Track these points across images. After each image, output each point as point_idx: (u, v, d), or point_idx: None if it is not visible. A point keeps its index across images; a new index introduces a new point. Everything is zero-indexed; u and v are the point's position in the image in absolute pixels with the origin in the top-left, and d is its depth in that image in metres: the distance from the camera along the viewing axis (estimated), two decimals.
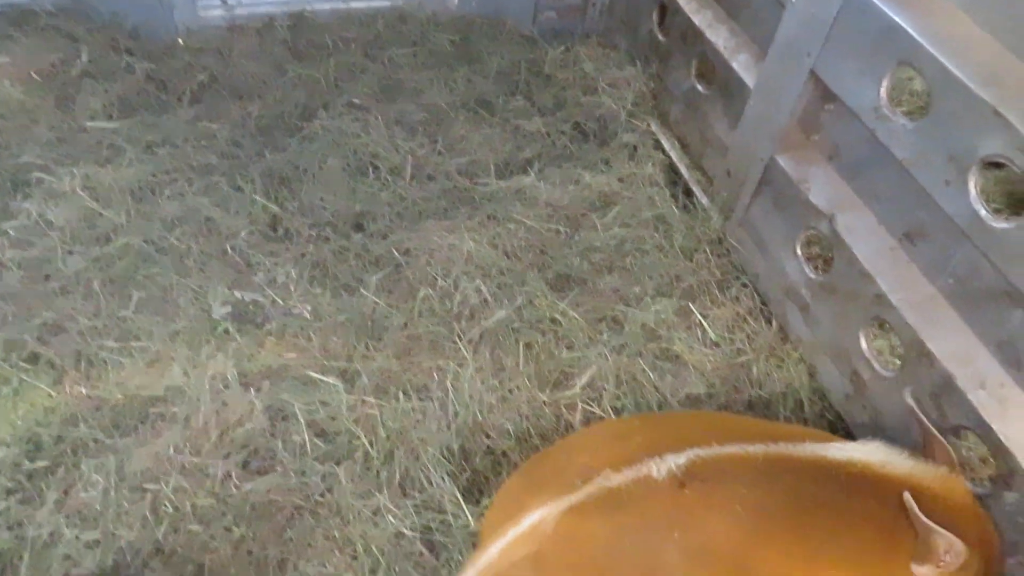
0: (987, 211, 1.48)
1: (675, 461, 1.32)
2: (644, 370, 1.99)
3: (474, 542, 1.66)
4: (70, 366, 1.93)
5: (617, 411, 1.93)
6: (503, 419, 1.87)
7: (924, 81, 1.57)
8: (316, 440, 1.82)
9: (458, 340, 2.03)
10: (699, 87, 2.49)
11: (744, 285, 2.25)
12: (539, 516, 1.28)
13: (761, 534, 1.33)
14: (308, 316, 2.10)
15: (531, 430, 1.87)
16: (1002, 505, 1.48)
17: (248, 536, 1.67)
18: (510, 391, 1.94)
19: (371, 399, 1.89)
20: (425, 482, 1.76)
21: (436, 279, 2.16)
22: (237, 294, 2.13)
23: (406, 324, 2.08)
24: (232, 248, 2.23)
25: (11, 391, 1.86)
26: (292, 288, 2.16)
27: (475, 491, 1.78)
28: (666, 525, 1.30)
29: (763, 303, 2.21)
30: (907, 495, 1.30)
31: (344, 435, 1.83)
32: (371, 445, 1.81)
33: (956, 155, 1.52)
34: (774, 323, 2.16)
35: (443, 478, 1.76)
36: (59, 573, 1.60)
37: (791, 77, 1.95)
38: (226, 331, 2.04)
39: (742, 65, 2.25)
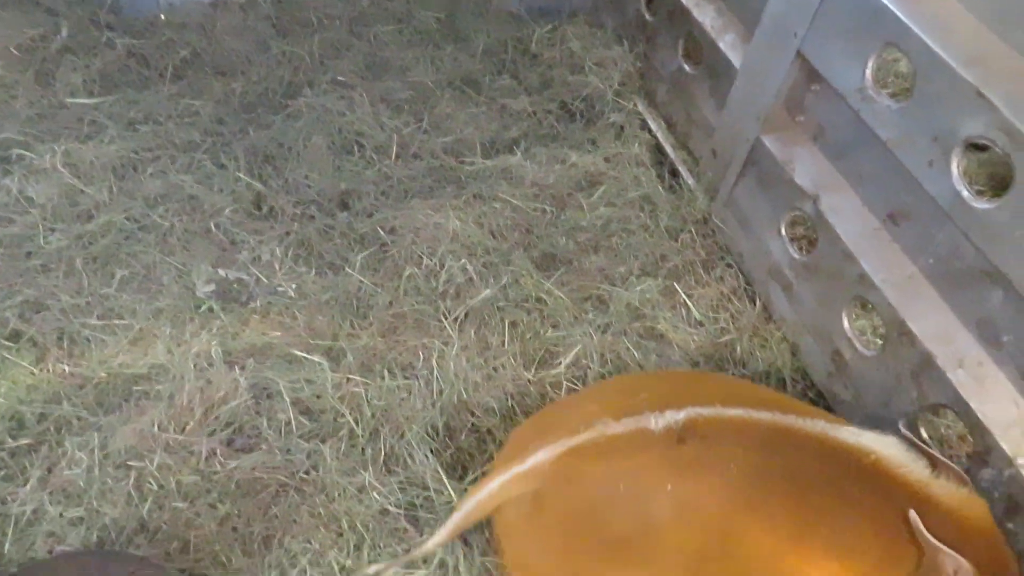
0: (969, 192, 1.50)
1: (674, 417, 1.34)
2: (629, 349, 2.00)
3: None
4: (52, 344, 1.92)
5: None
6: (488, 397, 1.88)
7: (909, 62, 1.58)
8: (301, 418, 1.82)
9: (443, 319, 2.04)
10: (686, 67, 2.49)
11: (728, 265, 2.26)
12: (541, 456, 1.34)
13: (750, 501, 1.32)
14: (293, 294, 2.09)
15: (516, 408, 1.88)
16: (978, 482, 1.50)
17: (233, 513, 1.67)
18: (495, 369, 1.94)
19: (356, 377, 1.89)
20: (409, 459, 1.76)
21: (422, 258, 2.16)
22: (221, 272, 2.12)
23: (391, 303, 2.08)
24: (216, 226, 2.21)
25: None
26: (277, 266, 2.15)
27: (459, 468, 1.79)
28: (659, 476, 1.32)
29: (747, 283, 2.22)
30: (912, 514, 1.26)
31: (329, 413, 1.83)
32: (356, 423, 1.81)
33: (940, 136, 1.53)
34: (758, 303, 2.17)
35: (427, 455, 1.76)
36: (43, 550, 1.60)
37: (778, 57, 1.95)
38: (210, 309, 2.03)
39: (729, 45, 2.24)
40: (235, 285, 2.10)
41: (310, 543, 1.64)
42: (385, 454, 1.77)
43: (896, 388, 1.70)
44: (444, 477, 1.73)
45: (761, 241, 2.13)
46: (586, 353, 1.98)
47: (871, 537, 1.31)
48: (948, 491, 1.33)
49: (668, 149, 2.57)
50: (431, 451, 1.78)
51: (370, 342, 1.98)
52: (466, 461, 1.81)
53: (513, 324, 2.04)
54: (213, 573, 1.59)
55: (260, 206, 2.31)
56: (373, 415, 1.82)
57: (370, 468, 1.74)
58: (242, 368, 1.89)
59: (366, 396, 1.85)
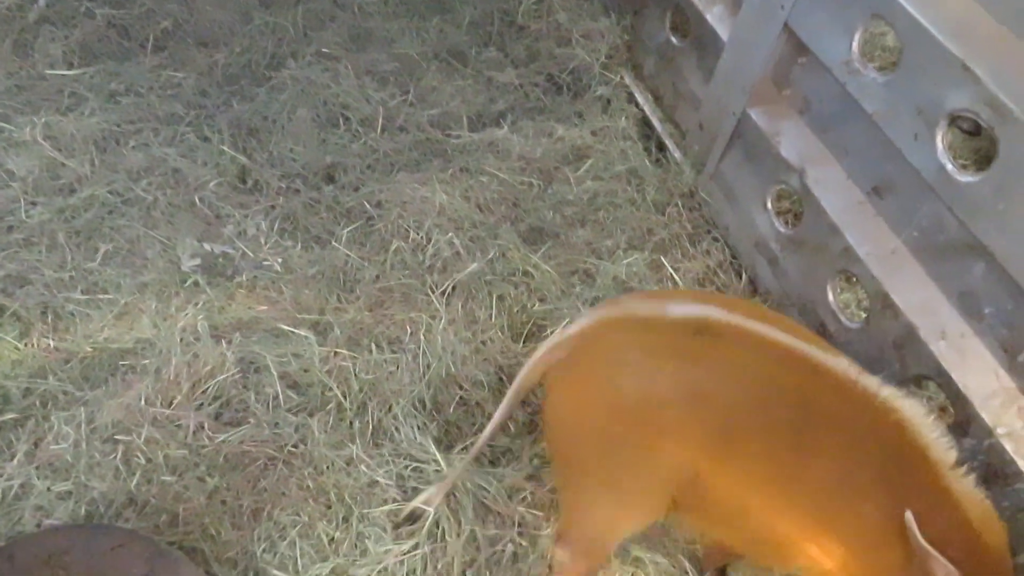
0: (953, 165, 1.51)
1: (693, 310, 1.38)
2: None
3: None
4: (36, 318, 1.90)
5: None
6: (476, 370, 1.89)
7: (896, 35, 1.58)
8: (289, 392, 1.82)
9: (430, 292, 2.04)
10: (673, 40, 2.48)
11: (715, 239, 2.27)
12: (579, 324, 1.47)
13: (753, 406, 1.31)
14: (279, 269, 2.08)
15: (505, 381, 1.89)
16: (959, 451, 1.52)
17: (222, 486, 1.68)
18: (483, 343, 1.95)
19: (344, 351, 1.89)
20: (397, 432, 1.77)
21: (408, 232, 2.16)
22: (206, 246, 2.11)
23: (378, 277, 2.07)
24: (200, 200, 2.20)
25: None
26: (262, 240, 2.14)
27: (447, 440, 1.80)
28: (666, 356, 1.37)
29: (733, 256, 2.23)
30: (909, 515, 1.17)
31: (317, 387, 1.83)
32: (344, 397, 1.82)
33: (925, 109, 1.53)
34: (744, 276, 2.18)
35: (415, 428, 1.77)
36: (31, 523, 1.60)
37: (765, 30, 1.94)
38: (196, 283, 2.02)
39: (716, 17, 2.23)
40: (220, 259, 2.09)
41: (299, 515, 1.65)
42: (373, 427, 1.78)
43: (879, 360, 1.72)
44: (432, 449, 1.74)
45: (747, 215, 2.14)
46: None
47: (871, 504, 1.26)
48: (967, 490, 1.21)
49: (655, 122, 2.57)
50: (420, 424, 1.79)
51: (357, 316, 1.97)
52: (454, 433, 1.82)
53: (500, 298, 2.04)
54: (202, 546, 1.60)
55: (245, 179, 2.30)
56: (361, 389, 1.83)
57: (358, 441, 1.75)
58: (229, 342, 1.88)
59: (354, 370, 1.85)
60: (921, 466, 1.22)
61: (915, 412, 1.25)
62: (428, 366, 1.88)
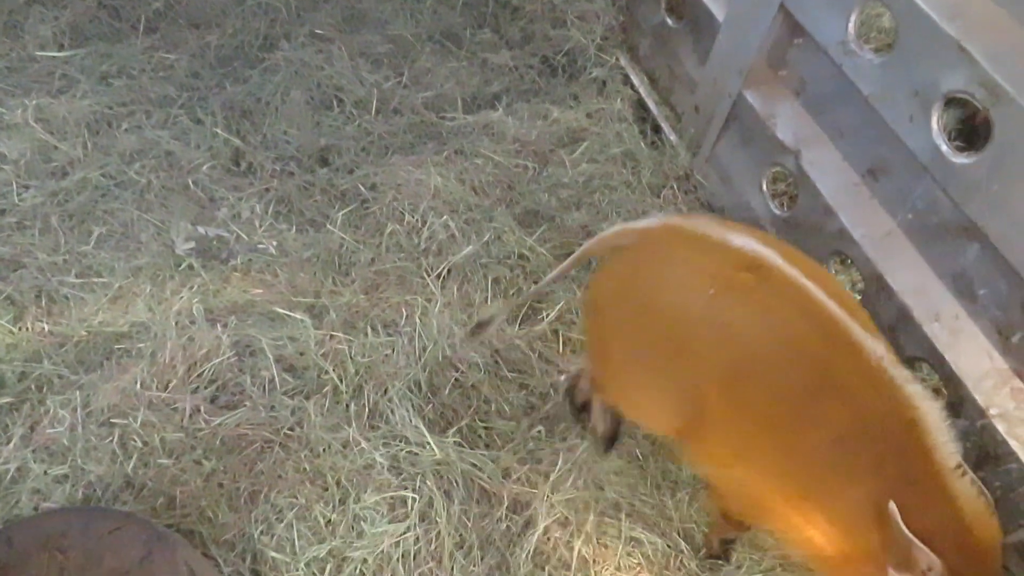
0: (948, 147, 1.51)
1: (752, 246, 1.38)
2: None
3: (439, 471, 1.70)
4: (31, 302, 1.90)
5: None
6: (472, 352, 1.89)
7: (892, 16, 1.57)
8: (285, 375, 1.82)
9: (426, 275, 2.04)
10: (669, 21, 2.46)
11: None
12: (647, 222, 1.55)
13: (768, 362, 1.32)
14: (274, 252, 2.08)
15: (501, 364, 1.89)
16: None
17: (219, 469, 1.68)
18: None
19: (339, 334, 1.89)
20: (393, 415, 1.78)
21: (403, 214, 2.15)
22: (200, 229, 2.10)
23: (373, 260, 2.07)
24: (194, 183, 2.19)
25: None
26: (257, 223, 2.13)
27: (443, 423, 1.81)
28: (707, 281, 1.38)
29: None
30: (892, 506, 1.16)
31: (312, 370, 1.84)
32: (340, 380, 1.82)
33: (920, 90, 1.53)
34: None
35: (410, 411, 1.78)
36: (28, 507, 1.60)
37: (761, 11, 1.93)
38: (190, 267, 2.01)
39: None
40: (215, 242, 2.08)
41: (296, 498, 1.66)
42: (369, 410, 1.79)
43: None
44: (427, 432, 1.74)
45: (743, 197, 2.14)
46: (569, 309, 1.99)
47: (864, 487, 1.25)
48: (963, 488, 1.21)
49: (650, 105, 2.56)
50: (415, 407, 1.79)
51: (353, 299, 1.97)
52: (450, 416, 1.83)
53: (496, 280, 2.04)
54: (200, 528, 1.61)
55: (238, 162, 2.29)
56: (357, 372, 1.83)
57: (354, 424, 1.75)
58: (224, 326, 1.88)
59: (349, 353, 1.85)
60: (922, 465, 1.22)
61: (933, 415, 1.23)
62: (424, 349, 1.88)
